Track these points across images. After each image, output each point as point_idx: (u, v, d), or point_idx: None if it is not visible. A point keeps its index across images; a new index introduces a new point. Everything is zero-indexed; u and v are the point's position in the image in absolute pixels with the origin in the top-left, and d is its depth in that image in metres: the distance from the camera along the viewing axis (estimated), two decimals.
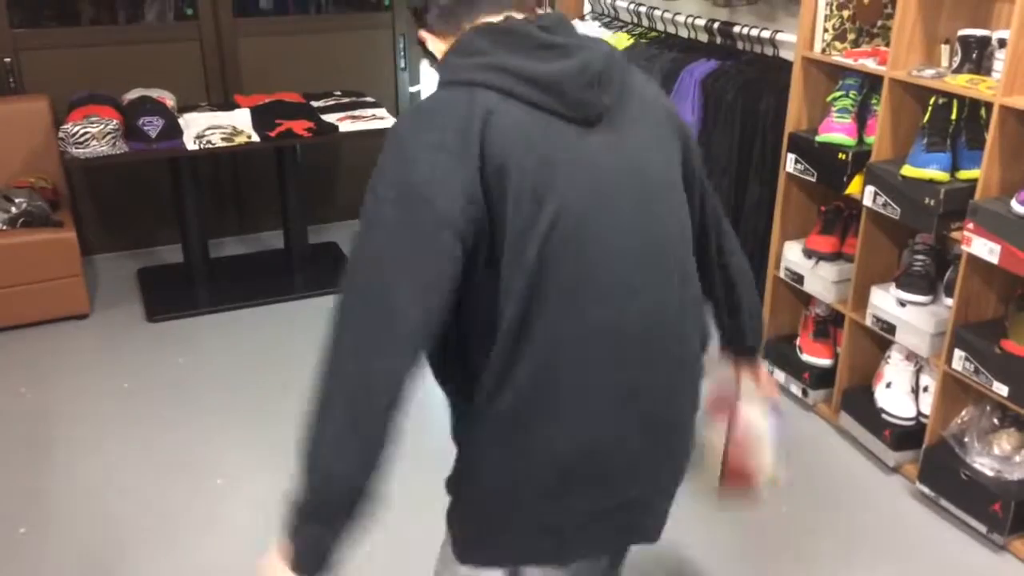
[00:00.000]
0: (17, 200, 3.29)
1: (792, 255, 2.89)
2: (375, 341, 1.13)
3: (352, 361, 1.14)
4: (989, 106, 2.18)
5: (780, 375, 3.00)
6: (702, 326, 1.41)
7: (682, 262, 1.30)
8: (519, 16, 1.23)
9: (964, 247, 2.23)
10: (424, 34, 1.29)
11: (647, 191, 1.24)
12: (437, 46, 1.27)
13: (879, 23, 2.67)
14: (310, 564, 1.22)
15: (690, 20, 3.51)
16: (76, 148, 3.14)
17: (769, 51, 3.21)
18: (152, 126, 3.25)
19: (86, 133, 3.14)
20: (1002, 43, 2.19)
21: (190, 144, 3.31)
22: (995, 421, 2.39)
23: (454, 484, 1.41)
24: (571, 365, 1.20)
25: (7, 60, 3.65)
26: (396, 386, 1.14)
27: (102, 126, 3.16)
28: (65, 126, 3.16)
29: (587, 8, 4.42)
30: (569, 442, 1.23)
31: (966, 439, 2.38)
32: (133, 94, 3.52)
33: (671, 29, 3.76)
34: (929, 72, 2.34)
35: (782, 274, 2.94)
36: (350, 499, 1.19)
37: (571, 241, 1.16)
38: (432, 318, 1.14)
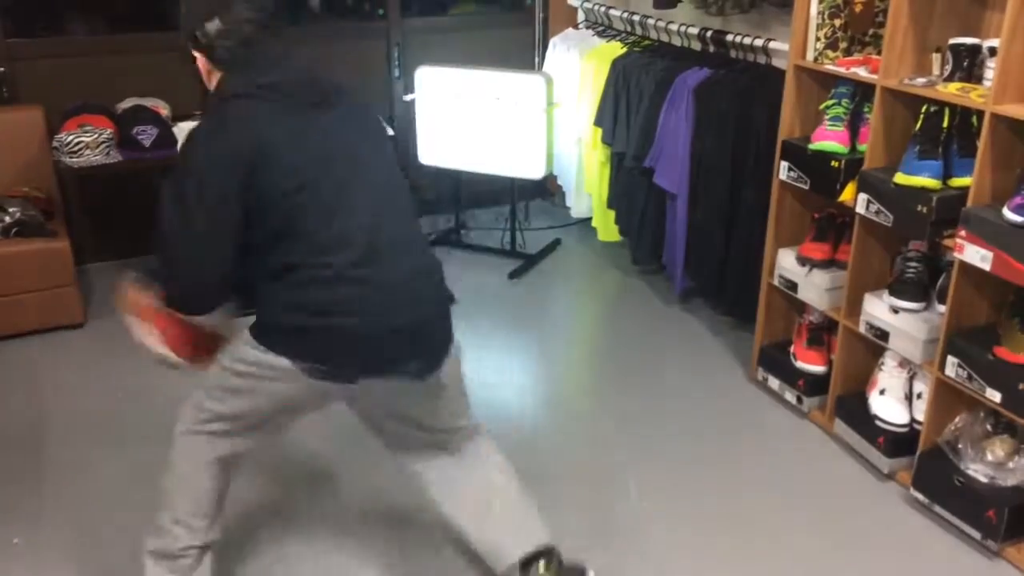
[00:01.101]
0: (11, 209, 3.28)
1: (786, 262, 2.90)
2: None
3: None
4: (980, 114, 2.20)
5: (774, 382, 3.01)
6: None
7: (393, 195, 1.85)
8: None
9: (956, 254, 2.24)
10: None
11: (357, 146, 1.81)
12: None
13: (871, 32, 2.68)
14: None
15: (683, 29, 3.53)
16: (70, 157, 3.15)
17: (762, 59, 3.23)
18: (146, 135, 3.25)
19: (80, 142, 3.14)
20: (992, 52, 2.21)
21: None
22: (988, 427, 2.40)
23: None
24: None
25: (1, 70, 3.66)
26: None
27: (96, 135, 3.17)
28: (59, 135, 3.17)
29: (581, 17, 4.44)
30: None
31: (960, 445, 2.39)
32: (127, 103, 3.53)
33: (664, 38, 3.78)
34: (921, 80, 2.35)
35: (776, 281, 2.95)
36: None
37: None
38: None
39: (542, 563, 1.91)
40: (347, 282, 1.71)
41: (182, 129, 3.48)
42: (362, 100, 1.92)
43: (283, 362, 1.73)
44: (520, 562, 1.92)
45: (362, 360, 1.76)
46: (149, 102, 3.53)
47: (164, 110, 3.52)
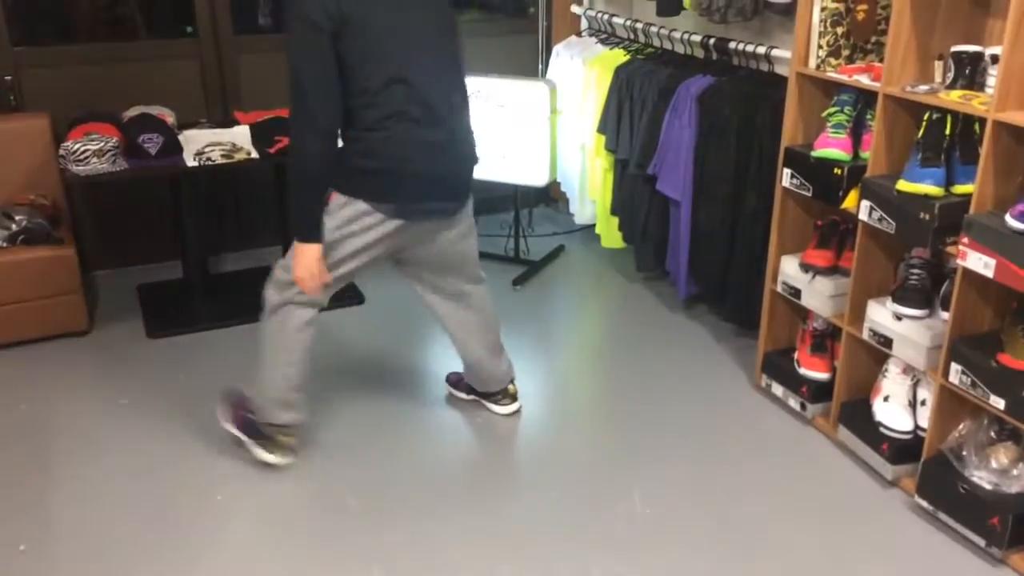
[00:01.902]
0: (17, 217, 3.30)
1: (789, 269, 2.90)
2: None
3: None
4: (983, 121, 2.20)
5: (778, 389, 3.01)
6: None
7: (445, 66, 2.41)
8: None
9: (959, 261, 2.25)
10: None
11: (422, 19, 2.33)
12: None
13: (873, 39, 2.69)
14: (312, 232, 2.34)
15: (686, 36, 3.54)
16: (76, 165, 3.16)
17: (764, 67, 3.24)
18: (152, 143, 3.26)
19: (86, 150, 3.15)
20: (995, 59, 2.21)
21: (190, 161, 3.33)
22: (992, 434, 2.40)
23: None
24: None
25: (7, 78, 3.68)
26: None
27: (102, 143, 3.18)
28: (65, 143, 3.18)
29: (584, 25, 4.45)
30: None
31: (964, 452, 2.39)
32: (133, 111, 3.54)
33: (667, 45, 3.79)
34: (923, 88, 2.36)
35: (779, 288, 2.95)
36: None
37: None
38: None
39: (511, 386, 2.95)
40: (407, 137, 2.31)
41: (188, 137, 3.50)
42: None
43: (360, 206, 2.33)
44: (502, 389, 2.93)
45: (413, 196, 2.36)
46: (155, 110, 3.54)
47: (170, 118, 3.53)
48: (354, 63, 2.21)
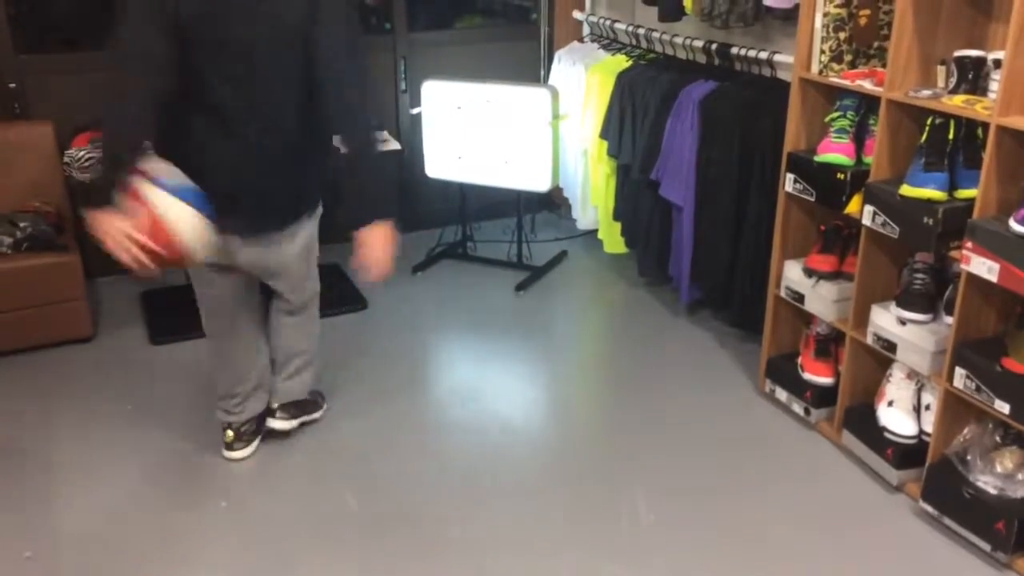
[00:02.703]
0: (22, 224, 3.31)
1: (792, 274, 2.90)
2: None
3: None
4: (986, 126, 2.20)
5: (782, 394, 3.01)
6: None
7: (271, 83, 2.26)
8: None
9: (963, 266, 2.25)
10: None
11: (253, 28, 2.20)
12: None
13: (875, 44, 2.69)
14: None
15: (688, 42, 3.54)
16: (80, 172, 3.17)
17: (767, 72, 3.24)
18: None
19: (90, 157, 3.17)
20: (997, 64, 2.21)
21: None
22: (997, 439, 2.39)
23: None
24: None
25: (12, 85, 3.69)
26: None
27: None
28: (69, 151, 3.19)
29: (586, 30, 4.46)
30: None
31: (968, 457, 2.38)
32: None
33: (669, 51, 3.80)
34: (926, 92, 2.36)
35: (783, 293, 2.95)
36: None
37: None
38: None
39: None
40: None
41: None
42: None
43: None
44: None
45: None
46: None
47: None
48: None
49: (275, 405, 2.78)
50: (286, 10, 2.19)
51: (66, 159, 3.18)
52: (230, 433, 2.71)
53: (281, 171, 2.37)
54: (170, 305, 3.78)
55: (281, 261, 2.53)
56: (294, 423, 2.81)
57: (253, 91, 2.23)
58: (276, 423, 2.78)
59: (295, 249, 2.53)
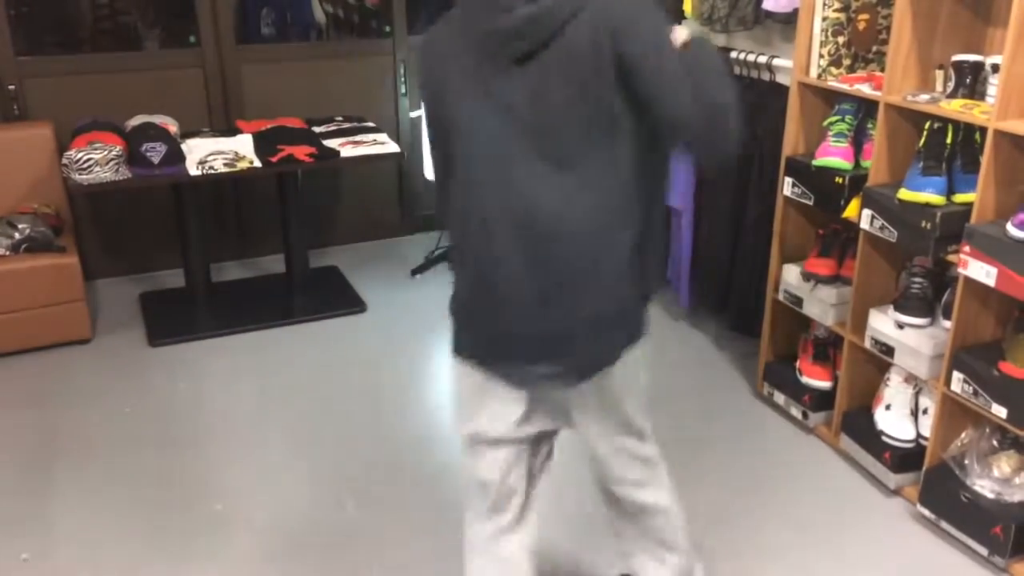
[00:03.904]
0: (20, 226, 3.31)
1: (791, 278, 2.90)
2: None
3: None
4: (984, 130, 2.21)
5: (780, 397, 3.01)
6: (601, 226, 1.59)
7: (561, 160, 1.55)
8: None
9: (961, 270, 2.25)
10: None
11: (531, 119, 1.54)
12: None
13: (874, 49, 2.70)
14: None
15: None
16: (79, 174, 3.17)
17: (766, 76, 3.25)
18: (155, 152, 3.27)
19: (89, 159, 3.16)
20: (995, 68, 2.22)
21: (193, 170, 3.34)
22: (994, 443, 2.39)
23: None
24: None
25: (11, 87, 3.69)
26: None
27: (105, 152, 3.19)
28: (69, 152, 3.19)
29: None
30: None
31: (966, 461, 2.38)
32: (136, 120, 3.55)
33: None
34: (924, 97, 2.36)
35: (781, 297, 2.96)
36: None
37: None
38: None
39: None
40: None
41: (190, 146, 3.51)
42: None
43: None
44: None
45: None
46: (158, 119, 3.55)
47: (173, 127, 3.54)
48: None
49: None
50: None
51: (65, 160, 3.17)
52: None
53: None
54: (169, 307, 3.79)
55: None
56: None
57: None
58: None
59: None
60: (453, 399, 2.91)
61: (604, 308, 1.62)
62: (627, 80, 1.49)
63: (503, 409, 1.76)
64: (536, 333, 1.62)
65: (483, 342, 1.70)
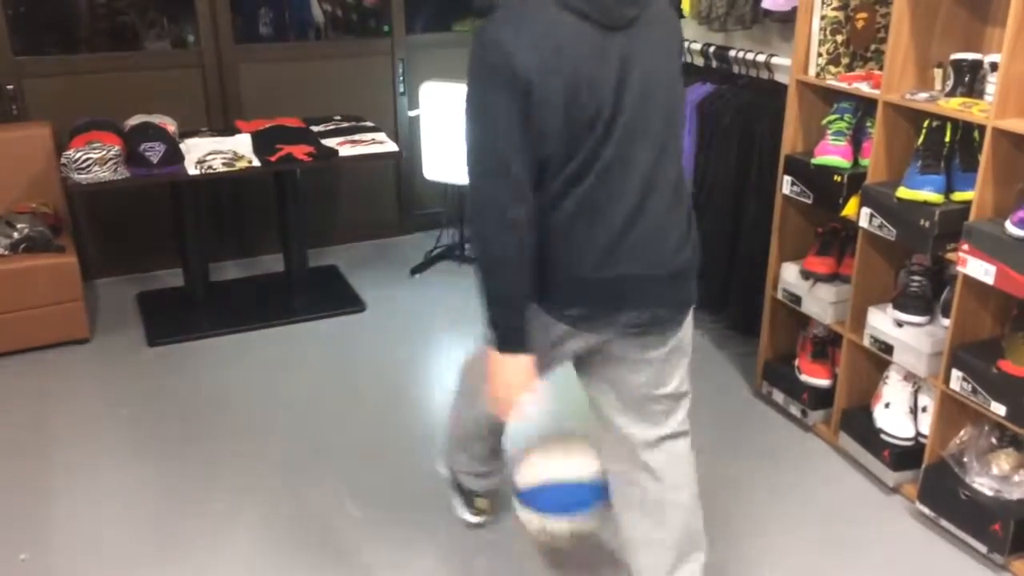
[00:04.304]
0: (19, 225, 3.31)
1: (789, 276, 2.91)
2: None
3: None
4: (982, 129, 2.21)
5: (779, 396, 3.01)
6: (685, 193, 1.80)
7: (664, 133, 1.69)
8: None
9: (960, 268, 2.25)
10: None
11: (650, 78, 1.64)
12: None
13: (872, 47, 2.70)
14: (512, 340, 1.72)
15: (686, 44, 3.55)
16: (78, 174, 3.16)
17: (764, 75, 3.25)
18: (154, 152, 3.27)
19: (88, 159, 3.16)
20: (994, 67, 2.22)
21: (191, 169, 3.34)
22: (993, 441, 2.40)
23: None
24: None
25: (10, 87, 3.69)
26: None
27: (104, 152, 3.18)
28: (67, 152, 3.19)
29: None
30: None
31: (965, 459, 2.39)
32: (135, 120, 3.54)
33: None
34: (922, 95, 2.37)
35: (780, 295, 2.96)
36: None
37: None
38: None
39: None
40: None
41: (189, 146, 3.51)
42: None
43: None
44: None
45: None
46: (156, 119, 3.55)
47: (171, 127, 3.53)
48: None
49: None
50: None
51: (64, 160, 3.17)
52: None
53: None
54: (167, 306, 3.79)
55: None
56: None
57: None
58: None
59: None
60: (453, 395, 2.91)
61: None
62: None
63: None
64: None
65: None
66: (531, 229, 1.65)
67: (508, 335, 1.73)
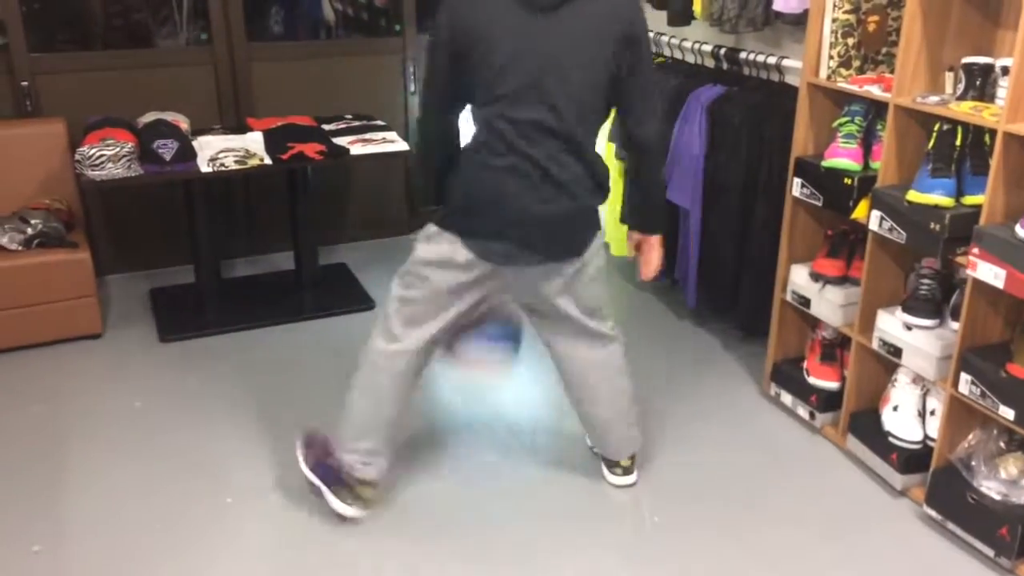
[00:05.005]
0: (33, 221, 3.34)
1: (799, 278, 2.91)
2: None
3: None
4: (993, 133, 2.21)
5: (787, 398, 3.01)
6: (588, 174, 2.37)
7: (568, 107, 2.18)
8: None
9: (969, 272, 2.25)
10: None
11: (553, 63, 2.11)
12: None
13: (884, 50, 2.70)
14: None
15: (697, 46, 3.55)
16: (92, 170, 3.19)
17: (775, 77, 3.25)
18: (166, 149, 3.29)
19: (102, 156, 3.18)
20: (1005, 71, 2.22)
21: (204, 167, 3.35)
22: (1002, 445, 2.40)
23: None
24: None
25: (24, 84, 3.72)
26: None
27: (118, 149, 3.21)
28: (81, 149, 3.21)
29: None
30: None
31: (973, 463, 2.39)
32: (148, 117, 3.57)
33: (678, 55, 3.81)
34: (933, 99, 2.37)
35: (789, 297, 2.96)
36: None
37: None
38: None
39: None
40: None
41: (202, 143, 3.53)
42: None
43: None
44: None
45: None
46: (170, 116, 3.57)
47: (184, 124, 3.56)
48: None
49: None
50: None
51: (77, 157, 3.19)
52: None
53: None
54: (179, 303, 3.81)
55: None
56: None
57: None
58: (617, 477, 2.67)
59: None
60: (461, 392, 2.92)
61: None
62: (616, 71, 2.19)
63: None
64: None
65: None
66: (447, 130, 2.33)
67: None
